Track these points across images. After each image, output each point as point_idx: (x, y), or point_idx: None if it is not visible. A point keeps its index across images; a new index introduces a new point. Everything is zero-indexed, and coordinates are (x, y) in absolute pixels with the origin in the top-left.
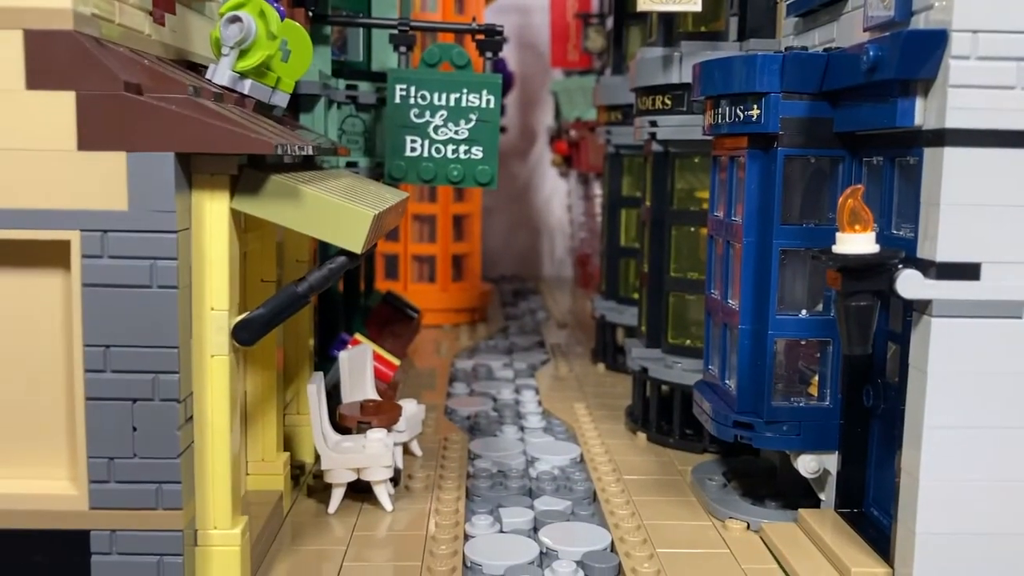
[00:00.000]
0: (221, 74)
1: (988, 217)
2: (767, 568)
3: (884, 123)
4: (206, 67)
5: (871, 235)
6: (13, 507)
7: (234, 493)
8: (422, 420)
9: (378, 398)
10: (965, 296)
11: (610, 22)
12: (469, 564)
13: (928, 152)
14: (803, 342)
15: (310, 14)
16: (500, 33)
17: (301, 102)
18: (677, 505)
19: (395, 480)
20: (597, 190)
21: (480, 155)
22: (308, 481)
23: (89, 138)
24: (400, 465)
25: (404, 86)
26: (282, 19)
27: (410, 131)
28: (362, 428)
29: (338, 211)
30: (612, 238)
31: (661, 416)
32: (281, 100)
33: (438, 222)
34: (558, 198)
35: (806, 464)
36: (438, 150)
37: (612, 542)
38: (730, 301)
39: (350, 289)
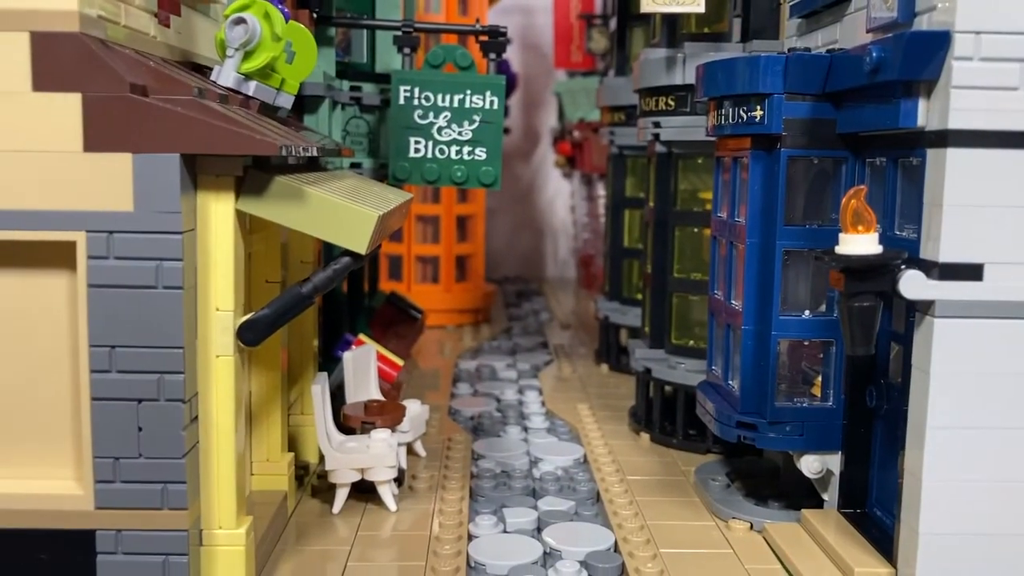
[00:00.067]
0: (226, 76)
1: (991, 218)
2: (770, 568)
3: (887, 124)
4: (211, 69)
5: (874, 236)
6: (19, 507)
7: (239, 493)
8: (426, 420)
9: (382, 398)
10: (968, 297)
11: (613, 23)
12: (473, 564)
13: (931, 153)
14: (806, 343)
15: (314, 16)
16: (504, 34)
17: (305, 103)
18: (680, 505)
19: (399, 480)
20: (600, 191)
21: (484, 156)
22: (312, 481)
23: (95, 139)
24: (404, 465)
25: (408, 87)
26: (286, 21)
27: (414, 132)
28: (366, 428)
29: (342, 212)
30: (615, 239)
31: (664, 417)
32: (286, 101)
33: (442, 223)
34: (561, 199)
35: (809, 464)
36: (442, 151)
37: (615, 542)
38: (733, 302)
39: (354, 290)
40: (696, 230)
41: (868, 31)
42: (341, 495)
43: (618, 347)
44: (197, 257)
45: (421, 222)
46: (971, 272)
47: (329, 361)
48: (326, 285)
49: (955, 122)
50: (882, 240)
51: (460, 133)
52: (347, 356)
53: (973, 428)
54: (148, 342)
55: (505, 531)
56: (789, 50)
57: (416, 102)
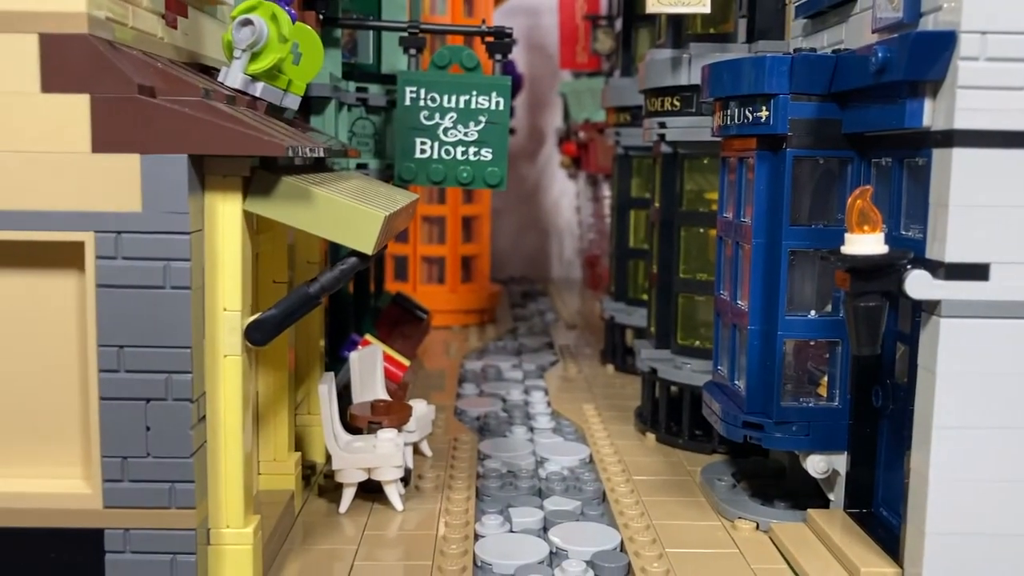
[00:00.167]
0: (233, 77)
1: (997, 218)
2: (776, 568)
3: (893, 124)
4: (218, 70)
5: (880, 236)
6: (28, 506)
7: (246, 492)
8: (432, 420)
9: (388, 398)
10: (974, 296)
11: (619, 24)
12: (479, 563)
13: (937, 153)
14: (812, 343)
15: (321, 17)
16: (509, 35)
17: (312, 104)
18: (686, 505)
19: (405, 480)
20: (606, 191)
21: (489, 157)
22: (319, 481)
23: (103, 140)
24: (410, 465)
25: (414, 88)
26: (293, 22)
27: (420, 133)
28: (373, 428)
29: (349, 212)
30: (621, 239)
31: (670, 417)
32: (292, 102)
33: (447, 223)
34: (567, 200)
35: (815, 464)
36: (447, 152)
37: (621, 542)
38: (739, 302)
39: (360, 290)
40: (702, 230)
41: (874, 31)
42: (348, 495)
43: (624, 347)
44: (205, 257)
45: (427, 223)
46: (977, 272)
47: (335, 361)
48: (333, 285)
49: (961, 122)
50: (888, 240)
51: (466, 134)
52: (353, 356)
53: (979, 428)
54: (156, 342)
55: (511, 531)
56: (795, 50)
57: (422, 103)
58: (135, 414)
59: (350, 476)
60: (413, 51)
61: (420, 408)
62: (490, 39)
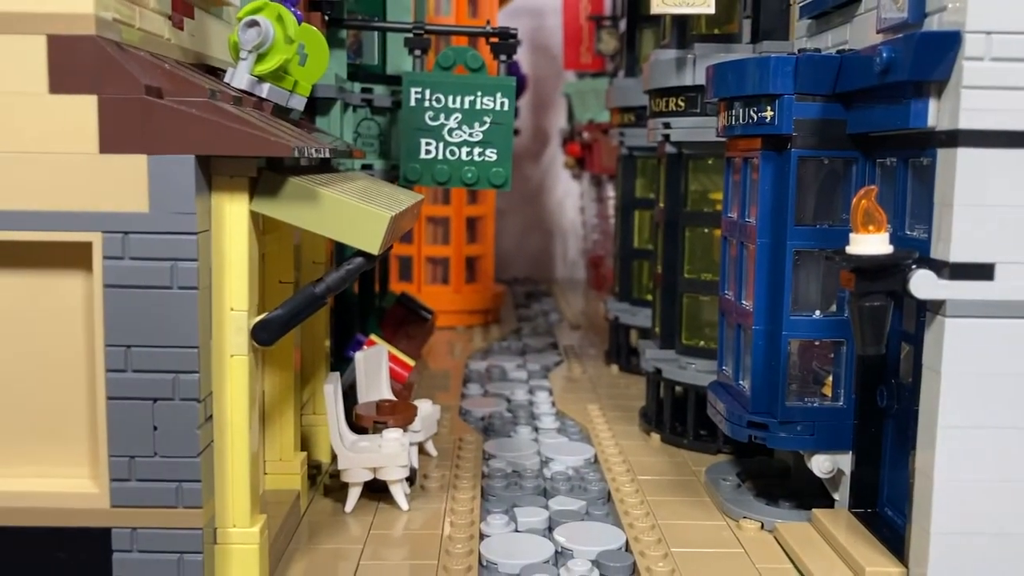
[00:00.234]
0: (239, 78)
1: (1001, 218)
2: (781, 568)
3: (897, 124)
4: (224, 71)
5: (885, 236)
6: (36, 505)
7: (253, 492)
8: (437, 420)
9: (394, 398)
10: (979, 296)
11: (623, 24)
12: (485, 563)
13: (941, 153)
14: (817, 343)
15: (326, 18)
16: (514, 36)
17: (317, 105)
18: (691, 505)
19: (411, 480)
20: (610, 192)
21: (494, 157)
22: (325, 480)
23: (111, 141)
24: (416, 465)
25: (419, 89)
26: (299, 23)
27: (425, 134)
28: (378, 428)
29: (355, 213)
30: (625, 240)
31: (675, 417)
32: (298, 103)
33: (452, 224)
34: (571, 200)
35: (820, 464)
36: (452, 152)
37: (626, 541)
38: (744, 302)
39: (365, 291)
40: (706, 231)
41: (878, 31)
42: (353, 494)
43: (628, 348)
44: (212, 257)
45: (431, 223)
46: (982, 272)
47: (341, 361)
48: (339, 285)
49: (966, 122)
50: (893, 240)
51: (471, 134)
52: (359, 356)
53: (984, 427)
54: (163, 342)
55: (516, 530)
56: (799, 51)
57: (427, 104)
58: (142, 414)
59: (356, 476)
60: (418, 52)
61: (425, 408)
62: (494, 40)
